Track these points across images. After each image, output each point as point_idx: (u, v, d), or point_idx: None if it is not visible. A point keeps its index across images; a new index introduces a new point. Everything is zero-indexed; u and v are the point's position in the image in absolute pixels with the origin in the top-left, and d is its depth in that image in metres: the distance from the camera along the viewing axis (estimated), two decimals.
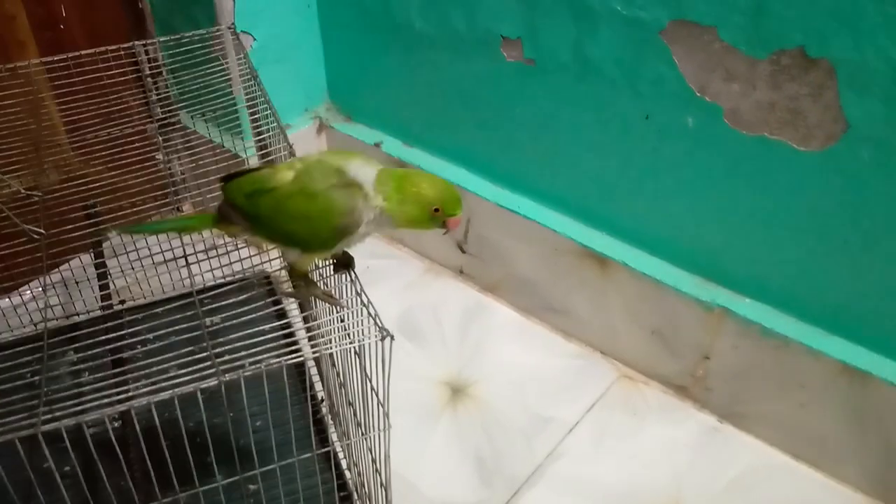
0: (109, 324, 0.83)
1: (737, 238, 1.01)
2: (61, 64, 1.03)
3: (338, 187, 0.70)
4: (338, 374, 0.92)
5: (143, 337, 0.92)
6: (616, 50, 1.01)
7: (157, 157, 1.11)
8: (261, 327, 0.73)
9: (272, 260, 1.18)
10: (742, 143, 0.94)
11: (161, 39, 1.14)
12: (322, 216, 0.70)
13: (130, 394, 0.64)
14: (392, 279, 1.37)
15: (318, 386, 1.09)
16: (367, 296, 0.73)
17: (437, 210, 0.71)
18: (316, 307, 0.96)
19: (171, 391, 0.63)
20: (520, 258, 1.26)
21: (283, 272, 1.27)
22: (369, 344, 0.69)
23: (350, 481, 0.96)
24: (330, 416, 1.05)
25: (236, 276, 1.23)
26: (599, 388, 1.17)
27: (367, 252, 1.42)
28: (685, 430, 1.10)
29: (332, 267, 0.81)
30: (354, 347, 0.72)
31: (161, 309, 1.14)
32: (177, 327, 0.79)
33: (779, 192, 0.94)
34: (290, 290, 0.76)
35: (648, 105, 1.01)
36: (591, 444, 1.09)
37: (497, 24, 1.11)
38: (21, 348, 0.78)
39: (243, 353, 0.68)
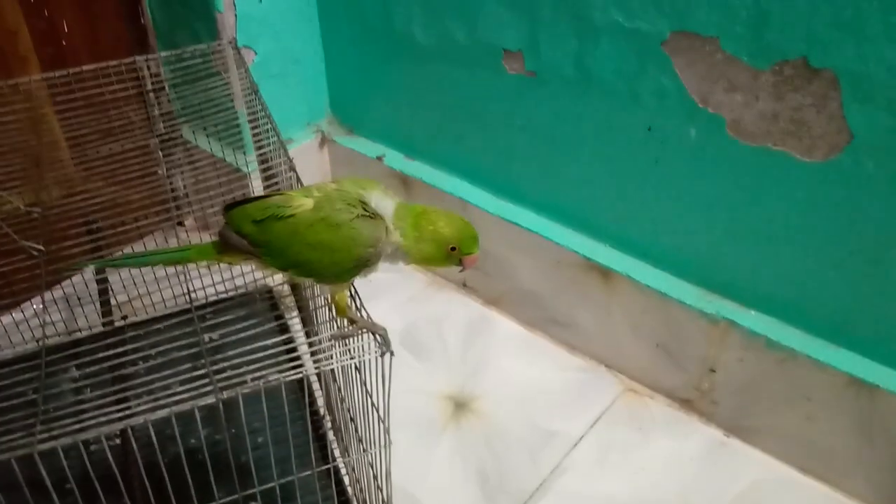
0: (111, 340, 0.82)
1: (741, 250, 1.01)
2: (63, 79, 1.04)
3: (363, 218, 0.69)
4: (339, 390, 0.91)
5: (144, 353, 0.92)
6: (617, 62, 1.00)
7: (158, 171, 1.11)
8: (262, 343, 0.73)
9: (274, 274, 1.18)
10: (745, 154, 0.94)
11: (163, 54, 1.14)
12: (346, 246, 0.69)
13: (130, 411, 0.64)
14: (395, 293, 1.36)
15: (321, 401, 1.08)
16: (366, 311, 0.73)
17: (453, 248, 0.71)
18: (317, 322, 0.95)
19: (168, 409, 0.62)
20: (523, 271, 1.25)
21: (286, 287, 1.26)
22: (369, 359, 0.68)
23: (352, 498, 0.95)
24: (332, 432, 1.04)
25: (238, 291, 1.23)
26: (604, 401, 1.16)
27: None
28: (691, 444, 1.09)
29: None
30: (355, 363, 0.72)
31: (163, 325, 1.14)
32: (178, 343, 0.78)
33: (783, 204, 0.94)
34: (342, 331, 0.74)
35: (650, 116, 1.01)
36: (597, 459, 1.08)
37: (498, 36, 1.11)
38: (20, 365, 0.78)
39: (244, 368, 0.67)
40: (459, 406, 1.16)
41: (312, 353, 0.72)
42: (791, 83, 0.87)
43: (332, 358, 0.72)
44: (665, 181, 1.03)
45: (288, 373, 0.66)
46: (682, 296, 1.07)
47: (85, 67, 1.04)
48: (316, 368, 0.71)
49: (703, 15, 0.90)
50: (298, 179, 0.87)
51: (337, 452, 1.01)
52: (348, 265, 0.70)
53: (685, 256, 1.07)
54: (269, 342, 0.73)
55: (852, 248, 0.90)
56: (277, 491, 0.76)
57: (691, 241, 1.05)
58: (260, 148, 1.07)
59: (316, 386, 1.09)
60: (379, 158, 1.38)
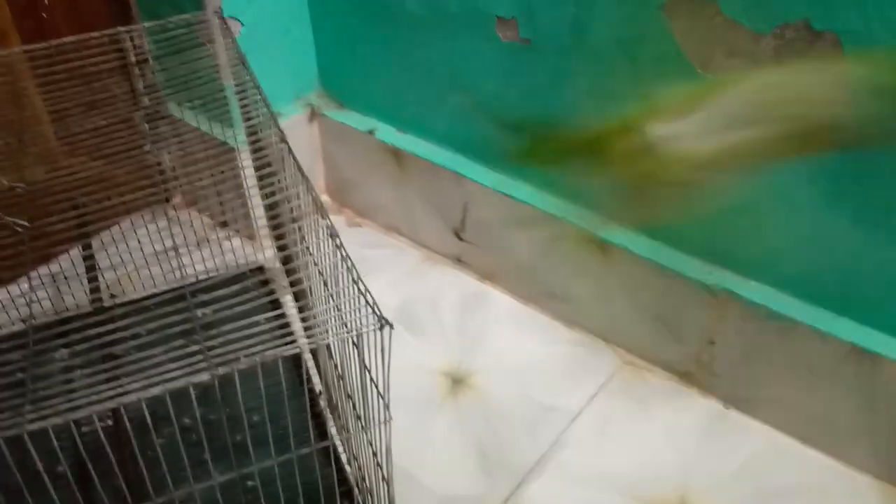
0: (100, 317, 0.80)
1: (740, 219, 0.99)
2: (44, 52, 1.00)
3: None
4: (336, 366, 0.89)
5: (135, 331, 0.90)
6: (615, 27, 0.98)
7: (144, 146, 1.08)
8: (255, 318, 0.71)
9: (265, 250, 1.16)
10: None
11: (146, 25, 1.11)
12: None
13: (122, 390, 0.62)
14: (389, 269, 1.35)
15: (317, 379, 1.07)
16: (364, 283, 0.71)
17: None
18: (312, 297, 0.93)
19: (161, 387, 0.60)
20: (519, 244, 1.23)
21: (278, 263, 1.24)
22: (367, 334, 0.67)
23: (350, 476, 0.94)
24: (329, 410, 1.02)
25: (229, 269, 1.21)
26: (602, 375, 1.15)
27: (363, 242, 1.40)
28: (691, 417, 1.08)
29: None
30: (352, 337, 0.70)
31: (152, 303, 1.11)
32: (170, 320, 0.76)
33: (783, 170, 0.92)
34: None
35: (649, 84, 0.98)
36: (596, 433, 1.07)
37: (491, 3, 1.09)
38: (7, 344, 0.75)
39: (237, 345, 0.65)
40: (457, 382, 1.14)
41: (308, 329, 0.70)
42: (792, 47, 0.85)
43: (328, 332, 0.70)
44: None
45: (284, 347, 0.64)
46: (680, 267, 1.05)
47: (66, 40, 1.01)
48: (312, 343, 0.69)
49: None
50: (290, 151, 0.85)
51: (335, 430, 0.99)
52: None
53: (683, 227, 1.06)
54: (262, 317, 0.71)
55: (855, 215, 0.89)
56: (276, 469, 0.74)
57: (689, 211, 1.04)
58: (248, 120, 1.04)
59: (312, 363, 1.07)
60: (370, 132, 1.35)
